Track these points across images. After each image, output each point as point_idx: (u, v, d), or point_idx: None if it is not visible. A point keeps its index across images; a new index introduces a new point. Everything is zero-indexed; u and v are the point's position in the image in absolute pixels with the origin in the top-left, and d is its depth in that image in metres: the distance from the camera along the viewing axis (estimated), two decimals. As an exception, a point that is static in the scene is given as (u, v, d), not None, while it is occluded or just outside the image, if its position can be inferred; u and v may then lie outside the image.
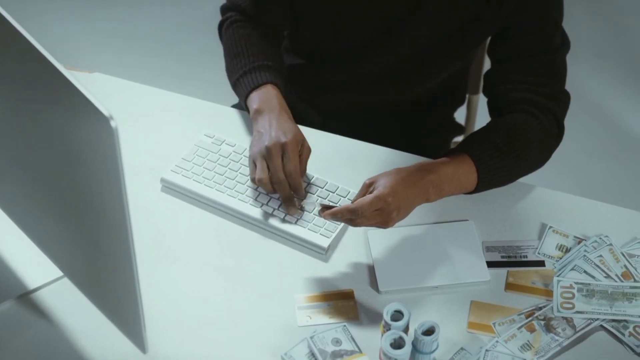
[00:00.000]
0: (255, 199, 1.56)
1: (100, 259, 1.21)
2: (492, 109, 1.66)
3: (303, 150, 1.54)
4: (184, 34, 3.19)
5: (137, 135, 1.68)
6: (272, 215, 1.54)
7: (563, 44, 1.62)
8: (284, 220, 1.53)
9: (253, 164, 1.53)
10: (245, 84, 1.62)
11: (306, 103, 1.85)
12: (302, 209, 1.54)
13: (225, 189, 1.58)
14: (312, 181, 1.59)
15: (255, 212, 1.54)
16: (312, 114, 1.85)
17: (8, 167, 1.31)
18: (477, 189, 1.55)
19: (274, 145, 1.50)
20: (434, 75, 1.76)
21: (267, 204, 1.55)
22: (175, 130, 1.69)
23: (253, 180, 1.53)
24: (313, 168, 1.62)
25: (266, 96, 1.59)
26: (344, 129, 1.74)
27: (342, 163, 1.65)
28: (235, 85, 1.65)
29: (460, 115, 2.01)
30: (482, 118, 1.69)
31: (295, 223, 1.53)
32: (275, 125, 1.54)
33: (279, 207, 1.55)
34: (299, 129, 1.55)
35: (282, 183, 1.50)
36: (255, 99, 1.59)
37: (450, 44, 1.66)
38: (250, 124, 1.69)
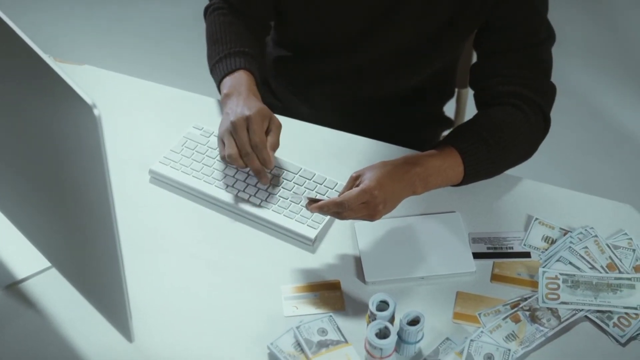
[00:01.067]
0: (243, 190, 1.56)
1: (86, 248, 1.22)
2: (478, 102, 1.67)
3: (272, 126, 1.56)
4: (174, 27, 3.19)
5: (125, 127, 1.69)
6: (259, 206, 1.55)
7: (548, 36, 1.62)
8: (271, 212, 1.54)
9: (222, 142, 1.55)
10: (220, 70, 1.64)
11: (295, 95, 1.86)
12: (273, 183, 1.57)
13: (213, 180, 1.58)
14: (299, 173, 1.59)
15: (243, 203, 1.55)
16: (300, 106, 1.86)
17: (-6, 157, 1.32)
18: (463, 182, 1.56)
19: (238, 119, 1.53)
20: (421, 69, 1.77)
21: (254, 195, 1.56)
22: (164, 122, 1.70)
23: (223, 158, 1.55)
24: (301, 160, 1.63)
25: (237, 81, 1.61)
26: (332, 121, 1.75)
27: (330, 155, 1.65)
28: (212, 71, 1.67)
29: (449, 109, 2.02)
30: (471, 111, 1.69)
31: (283, 214, 1.54)
32: (241, 104, 1.56)
33: (266, 198, 1.55)
34: (266, 107, 1.56)
35: (249, 155, 1.52)
36: (226, 84, 1.62)
37: (435, 38, 1.67)
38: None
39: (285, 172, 1.59)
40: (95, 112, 1.00)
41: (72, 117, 1.03)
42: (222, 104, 1.60)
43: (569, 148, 2.85)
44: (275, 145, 1.56)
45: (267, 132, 1.55)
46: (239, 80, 1.62)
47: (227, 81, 1.62)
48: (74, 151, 1.07)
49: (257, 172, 1.54)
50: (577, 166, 2.82)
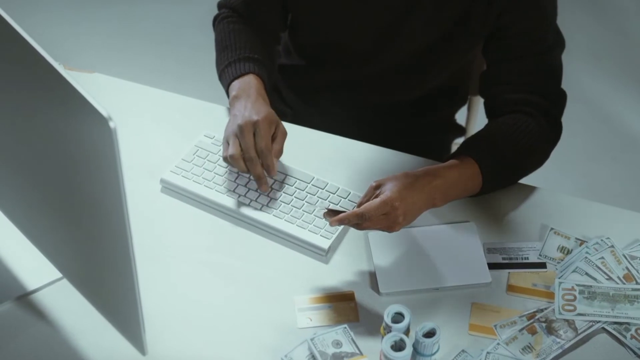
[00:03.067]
0: (256, 200, 1.55)
1: (100, 260, 1.20)
2: (488, 109, 1.65)
3: (278, 132, 1.54)
4: (183, 34, 3.18)
5: (136, 136, 1.67)
6: (272, 216, 1.53)
7: (558, 43, 1.61)
8: (284, 222, 1.53)
9: (226, 143, 1.54)
10: (229, 74, 1.63)
11: (306, 103, 1.85)
12: (272, 189, 1.56)
13: (225, 190, 1.57)
14: (312, 182, 1.58)
15: (255, 213, 1.54)
16: (311, 114, 1.85)
17: (7, 168, 1.30)
18: (481, 192, 1.55)
19: (245, 123, 1.51)
20: (432, 77, 1.76)
21: (267, 205, 1.54)
22: (175, 131, 1.69)
23: (225, 159, 1.53)
24: (312, 168, 1.61)
25: (246, 85, 1.60)
26: (343, 129, 1.73)
27: (342, 163, 1.64)
28: (220, 77, 1.66)
29: (461, 116, 2.01)
30: (483, 119, 1.68)
31: (296, 224, 1.52)
32: (249, 107, 1.54)
33: (279, 208, 1.54)
34: (274, 112, 1.55)
35: (253, 160, 1.51)
36: (235, 87, 1.60)
37: (445, 46, 1.66)
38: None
39: (298, 181, 1.58)
40: (111, 124, 0.98)
41: (88, 129, 1.02)
42: (230, 106, 1.59)
43: (582, 156, 2.84)
44: (279, 153, 1.54)
45: (272, 138, 1.54)
46: (248, 83, 1.60)
47: (236, 84, 1.61)
48: (89, 162, 1.06)
49: (258, 177, 1.52)
50: (590, 175, 2.81)
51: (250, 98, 1.57)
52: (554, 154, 1.64)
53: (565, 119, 1.64)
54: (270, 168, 1.52)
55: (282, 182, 1.57)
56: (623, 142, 2.89)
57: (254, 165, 1.51)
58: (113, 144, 1.00)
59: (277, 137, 1.54)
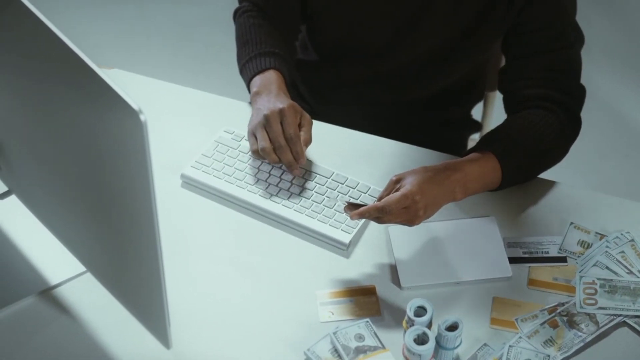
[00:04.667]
0: (276, 195, 1.56)
1: (126, 253, 1.21)
2: (508, 105, 1.66)
3: (304, 121, 1.55)
4: (201, 29, 3.18)
5: (156, 131, 1.68)
6: (293, 210, 1.54)
7: (577, 39, 1.62)
8: (305, 216, 1.53)
9: (253, 136, 1.55)
10: (250, 69, 1.64)
11: (324, 100, 1.85)
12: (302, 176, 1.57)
13: (246, 184, 1.57)
14: (332, 177, 1.58)
15: (276, 207, 1.54)
16: (329, 109, 1.85)
17: (33, 162, 1.31)
18: (501, 186, 1.55)
19: (271, 112, 1.52)
20: (450, 73, 1.76)
21: (287, 199, 1.55)
22: (195, 127, 1.69)
23: (255, 152, 1.54)
24: (332, 163, 1.62)
25: (267, 80, 1.60)
26: (361, 124, 1.74)
27: (361, 159, 1.64)
28: (241, 72, 1.67)
29: (477, 112, 2.01)
30: (499, 114, 1.69)
31: (316, 218, 1.53)
32: (272, 99, 1.56)
33: (300, 202, 1.55)
34: (297, 104, 1.56)
35: (282, 148, 1.51)
36: (256, 83, 1.61)
37: (463, 43, 1.66)
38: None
39: (318, 176, 1.58)
40: (142, 117, 0.99)
41: (118, 122, 1.02)
42: (252, 101, 1.60)
43: (596, 153, 2.84)
44: (308, 141, 1.55)
45: (299, 128, 1.55)
46: (269, 79, 1.61)
47: (257, 80, 1.62)
48: (119, 156, 1.07)
49: (289, 164, 1.53)
50: (604, 171, 2.80)
51: (271, 93, 1.57)
52: (570, 151, 1.64)
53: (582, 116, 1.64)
54: (300, 154, 1.52)
55: (303, 177, 1.58)
56: (636, 139, 2.89)
57: (284, 152, 1.52)
58: (143, 138, 1.01)
59: (305, 126, 1.55)
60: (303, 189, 1.56)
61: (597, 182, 2.77)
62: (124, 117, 1.01)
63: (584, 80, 1.64)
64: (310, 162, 1.60)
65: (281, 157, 1.52)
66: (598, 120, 2.92)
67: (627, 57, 3.12)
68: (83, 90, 1.06)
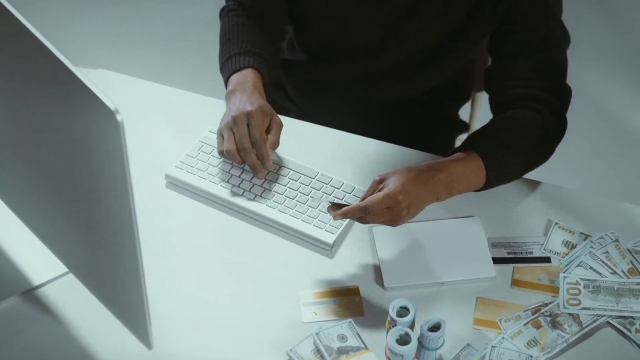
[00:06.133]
0: (261, 195, 1.55)
1: (106, 254, 1.21)
2: (494, 105, 1.66)
3: (273, 124, 1.55)
4: (188, 30, 3.18)
5: (141, 132, 1.68)
6: (277, 211, 1.54)
7: (563, 39, 1.62)
8: (289, 217, 1.53)
9: (221, 136, 1.55)
10: (228, 68, 1.64)
11: (311, 100, 1.85)
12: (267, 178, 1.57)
13: (230, 185, 1.57)
14: (316, 177, 1.58)
15: (260, 207, 1.54)
16: (316, 110, 1.85)
17: (14, 162, 1.31)
18: (485, 187, 1.55)
19: (239, 114, 1.52)
20: (438, 73, 1.76)
21: (271, 200, 1.55)
22: (180, 127, 1.69)
23: (221, 152, 1.54)
24: (317, 164, 1.62)
25: (244, 79, 1.61)
26: (347, 124, 1.74)
27: (346, 159, 1.64)
28: (221, 69, 1.67)
29: (464, 113, 2.01)
30: (487, 115, 1.69)
31: (300, 219, 1.52)
32: (244, 100, 1.56)
33: (284, 203, 1.54)
34: (268, 105, 1.56)
35: (247, 150, 1.52)
36: (233, 81, 1.62)
37: (450, 43, 1.66)
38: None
39: (302, 176, 1.58)
40: (118, 117, 0.99)
41: (95, 122, 1.02)
42: (226, 100, 1.60)
43: (585, 152, 2.84)
44: (275, 145, 1.55)
45: (267, 131, 1.55)
46: (245, 77, 1.61)
47: (234, 78, 1.62)
48: (96, 156, 1.06)
49: (253, 167, 1.53)
50: (594, 171, 2.81)
51: (245, 92, 1.58)
52: (559, 150, 1.64)
53: (569, 116, 1.64)
54: (265, 159, 1.53)
55: (287, 177, 1.58)
56: (627, 138, 2.89)
57: (249, 155, 1.52)
58: (120, 137, 1.00)
59: (273, 129, 1.55)
60: (287, 189, 1.56)
61: (589, 182, 2.77)
62: (101, 117, 1.01)
63: (575, 80, 1.64)
64: (294, 162, 1.60)
65: (245, 159, 1.52)
66: (589, 119, 2.92)
67: (619, 57, 3.12)
68: (60, 90, 1.06)
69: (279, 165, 1.59)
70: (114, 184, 1.06)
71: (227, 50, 1.67)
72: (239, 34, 1.68)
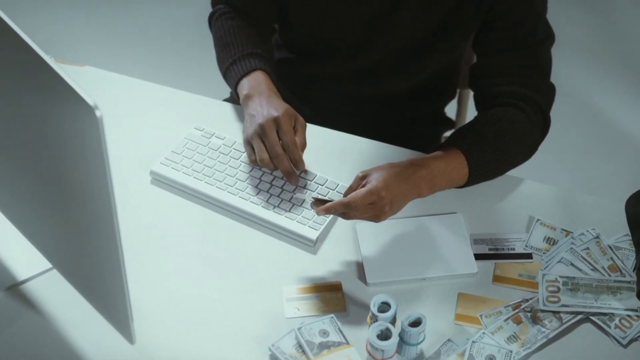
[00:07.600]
0: (245, 191, 1.56)
1: (87, 249, 1.22)
2: (478, 102, 1.67)
3: (297, 124, 1.55)
4: (175, 28, 3.19)
5: (126, 128, 1.68)
6: (261, 207, 1.54)
7: (547, 36, 1.63)
8: (273, 213, 1.54)
9: (249, 145, 1.54)
10: (235, 72, 1.63)
11: (296, 96, 1.86)
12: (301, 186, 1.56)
13: (215, 181, 1.58)
14: (300, 174, 1.59)
15: (244, 204, 1.55)
16: (301, 107, 1.86)
17: (-4, 158, 1.31)
18: (467, 183, 1.56)
19: (267, 121, 1.51)
20: (421, 70, 1.77)
21: (255, 196, 1.56)
22: (165, 123, 1.70)
23: (254, 162, 1.53)
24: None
25: (255, 82, 1.60)
26: (333, 122, 1.75)
27: (331, 156, 1.65)
28: (225, 75, 1.66)
29: (450, 110, 2.02)
30: (472, 112, 1.70)
31: (284, 215, 1.53)
32: (265, 104, 1.54)
33: (268, 199, 1.55)
34: (290, 107, 1.55)
35: (280, 157, 1.51)
36: (245, 85, 1.60)
37: (434, 40, 1.67)
38: (240, 116, 1.70)
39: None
40: (97, 113, 0.99)
41: (74, 118, 1.03)
42: (243, 105, 1.60)
43: (568, 148, 2.85)
44: (304, 145, 1.55)
45: (294, 132, 1.54)
46: (257, 80, 1.61)
47: (245, 82, 1.61)
48: (76, 152, 1.07)
49: (287, 173, 1.53)
50: (576, 166, 2.82)
51: (262, 95, 1.57)
52: (542, 146, 1.65)
53: (557, 113, 1.65)
54: (299, 161, 1.52)
55: (271, 174, 1.59)
56: (615, 136, 2.90)
57: (282, 161, 1.51)
58: (99, 133, 1.01)
59: (299, 130, 1.54)
60: (271, 185, 1.57)
61: (577, 179, 2.78)
62: (80, 113, 1.02)
63: (562, 77, 1.65)
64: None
65: (279, 166, 1.52)
66: (576, 116, 2.93)
67: (605, 53, 3.13)
68: (39, 85, 1.06)
69: None
70: (94, 180, 1.07)
71: (228, 54, 1.66)
72: (237, 36, 1.68)
